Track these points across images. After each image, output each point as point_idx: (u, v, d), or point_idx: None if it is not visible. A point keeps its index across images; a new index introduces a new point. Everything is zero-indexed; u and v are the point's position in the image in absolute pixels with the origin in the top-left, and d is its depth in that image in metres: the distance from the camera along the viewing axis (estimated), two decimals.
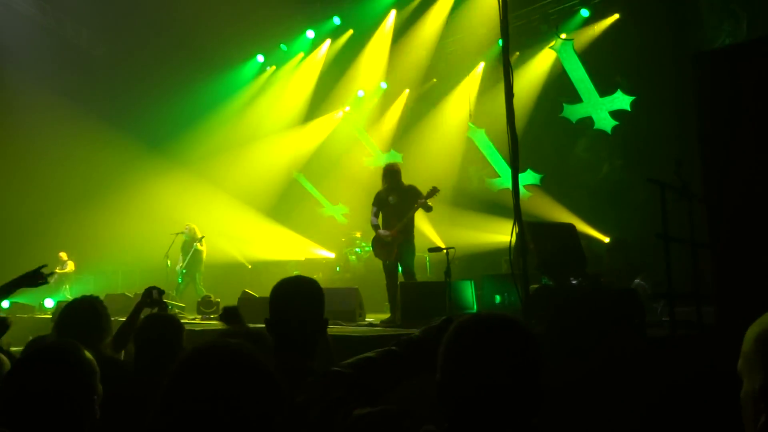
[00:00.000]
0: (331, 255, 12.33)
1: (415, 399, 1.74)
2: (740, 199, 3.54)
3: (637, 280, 6.58)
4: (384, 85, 12.63)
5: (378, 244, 6.80)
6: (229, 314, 3.01)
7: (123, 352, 3.52)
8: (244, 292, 8.13)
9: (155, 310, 3.58)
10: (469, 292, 6.61)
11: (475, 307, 6.52)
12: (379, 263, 6.98)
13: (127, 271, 13.04)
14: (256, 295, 7.88)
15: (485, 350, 1.23)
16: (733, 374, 1.18)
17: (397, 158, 11.94)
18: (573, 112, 9.98)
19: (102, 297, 3.56)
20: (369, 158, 12.92)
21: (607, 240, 8.92)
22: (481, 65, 11.24)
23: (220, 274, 11.71)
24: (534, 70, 10.32)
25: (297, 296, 2.08)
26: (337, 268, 11.61)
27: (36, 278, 3.33)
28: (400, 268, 6.67)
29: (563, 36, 9.80)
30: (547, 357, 1.29)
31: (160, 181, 12.49)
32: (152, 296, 3.62)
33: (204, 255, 10.62)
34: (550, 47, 10.08)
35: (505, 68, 4.53)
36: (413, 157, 11.51)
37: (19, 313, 9.61)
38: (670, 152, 7.12)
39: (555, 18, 9.92)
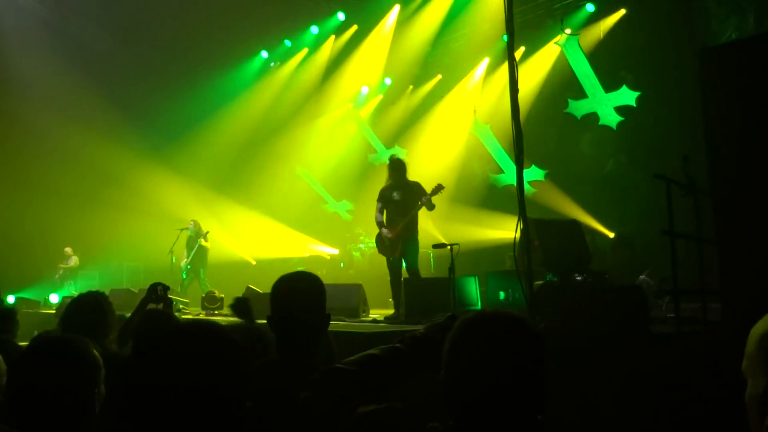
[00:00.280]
0: (335, 251, 12.34)
1: (419, 396, 1.74)
2: (747, 195, 3.51)
3: (642, 276, 6.56)
4: (388, 81, 12.62)
5: (382, 240, 6.80)
6: (240, 306, 3.04)
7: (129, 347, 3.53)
8: (248, 288, 8.12)
9: (160, 306, 3.59)
10: (473, 289, 6.60)
11: (479, 303, 6.51)
12: (383, 259, 6.97)
13: (132, 266, 13.10)
14: (260, 291, 7.89)
15: (490, 348, 1.23)
16: (739, 371, 1.16)
17: (401, 154, 11.93)
18: (578, 108, 9.94)
19: (106, 292, 3.57)
20: (373, 154, 12.92)
21: (612, 236, 8.89)
22: (486, 61, 11.21)
23: (224, 270, 11.73)
24: (539, 66, 10.28)
25: (297, 292, 2.07)
26: (341, 265, 11.63)
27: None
28: (404, 265, 6.67)
29: (568, 31, 9.74)
30: (551, 354, 1.28)
31: (165, 177, 12.52)
32: (157, 292, 3.63)
33: (209, 250, 10.64)
34: (555, 42, 10.03)
35: (510, 64, 4.50)
36: (417, 153, 11.51)
37: (24, 308, 9.63)
38: (675, 148, 7.10)
39: (560, 12, 9.87)
